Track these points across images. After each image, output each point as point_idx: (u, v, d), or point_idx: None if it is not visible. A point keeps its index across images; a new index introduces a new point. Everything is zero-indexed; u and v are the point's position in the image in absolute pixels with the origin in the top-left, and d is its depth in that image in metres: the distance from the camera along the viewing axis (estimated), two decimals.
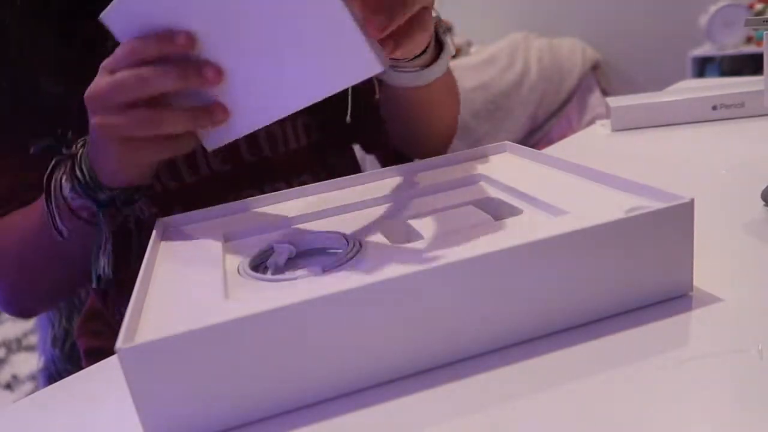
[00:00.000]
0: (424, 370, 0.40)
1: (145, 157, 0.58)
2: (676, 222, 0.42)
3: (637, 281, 0.42)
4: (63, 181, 0.61)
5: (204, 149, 0.61)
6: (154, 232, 0.55)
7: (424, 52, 0.67)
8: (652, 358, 0.38)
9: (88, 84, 0.56)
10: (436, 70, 0.71)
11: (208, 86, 0.53)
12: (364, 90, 0.90)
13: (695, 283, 0.44)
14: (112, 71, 0.54)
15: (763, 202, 0.58)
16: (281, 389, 0.38)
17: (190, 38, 0.51)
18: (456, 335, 0.40)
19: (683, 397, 0.34)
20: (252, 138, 0.78)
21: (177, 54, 0.52)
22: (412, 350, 0.40)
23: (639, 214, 0.41)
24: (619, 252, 0.41)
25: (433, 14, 0.61)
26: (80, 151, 0.61)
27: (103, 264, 0.63)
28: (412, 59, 0.66)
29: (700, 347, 0.39)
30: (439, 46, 0.71)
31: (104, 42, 0.60)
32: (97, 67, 0.56)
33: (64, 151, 0.61)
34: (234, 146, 0.76)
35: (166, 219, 0.60)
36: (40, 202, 0.65)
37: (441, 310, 0.39)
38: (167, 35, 0.51)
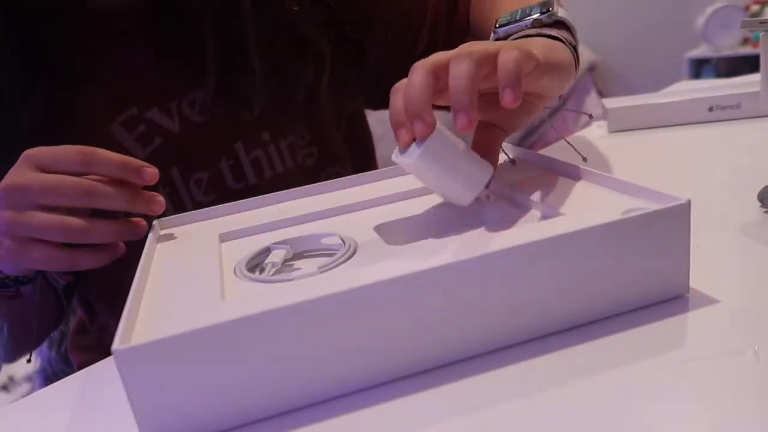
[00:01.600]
0: (420, 371, 0.40)
1: (53, 264, 0.57)
2: (672, 223, 0.42)
3: (634, 282, 0.42)
4: None
5: (185, 182, 0.62)
6: (150, 234, 0.55)
7: None
8: (649, 360, 0.38)
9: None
10: None
11: (152, 213, 0.57)
12: (356, 112, 0.89)
13: (692, 284, 0.44)
14: (42, 168, 0.54)
15: (759, 204, 0.58)
16: (277, 390, 0.38)
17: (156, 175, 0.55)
18: (451, 336, 0.40)
19: (680, 398, 0.34)
20: (236, 166, 0.76)
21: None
22: (409, 351, 0.40)
23: (635, 216, 0.41)
24: (616, 253, 0.41)
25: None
26: None
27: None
28: None
29: (696, 348, 0.39)
30: None
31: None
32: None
33: None
34: (218, 176, 0.75)
35: (163, 219, 0.60)
36: None
37: (437, 312, 0.39)
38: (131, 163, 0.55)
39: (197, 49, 0.72)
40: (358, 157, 0.90)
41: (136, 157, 0.60)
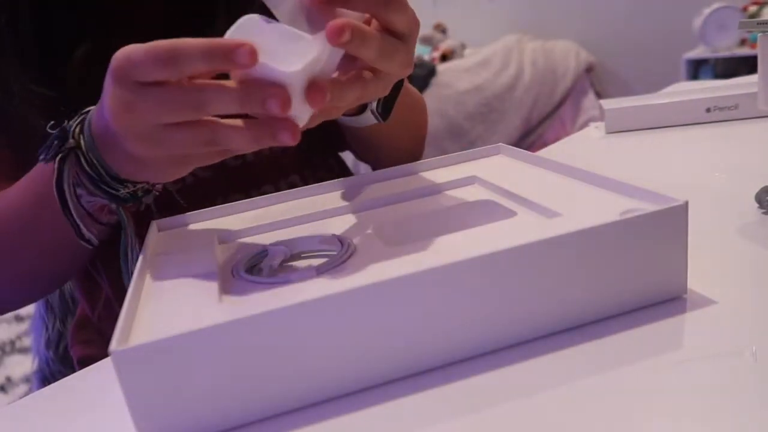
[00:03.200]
0: (418, 372, 0.40)
1: (189, 169, 0.53)
2: (669, 224, 0.42)
3: (631, 283, 0.42)
4: (77, 188, 0.55)
5: None
6: (148, 234, 0.55)
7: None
8: (646, 361, 0.38)
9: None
10: (366, 118, 0.68)
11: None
12: None
13: (689, 285, 0.44)
14: (143, 83, 0.45)
15: (756, 205, 0.58)
16: (275, 391, 0.38)
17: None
18: (449, 337, 0.40)
19: (677, 399, 0.34)
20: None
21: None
22: (407, 352, 0.40)
23: (633, 217, 0.41)
24: (613, 254, 0.41)
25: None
26: (81, 142, 0.53)
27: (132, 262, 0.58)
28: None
29: (694, 349, 0.39)
30: None
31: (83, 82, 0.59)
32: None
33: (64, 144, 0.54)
34: None
35: (161, 221, 0.60)
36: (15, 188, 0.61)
37: (434, 313, 0.39)
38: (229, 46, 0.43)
39: (204, 28, 0.73)
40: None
41: None
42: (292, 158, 0.81)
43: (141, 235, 0.57)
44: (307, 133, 0.82)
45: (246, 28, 0.45)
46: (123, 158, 0.52)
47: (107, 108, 0.48)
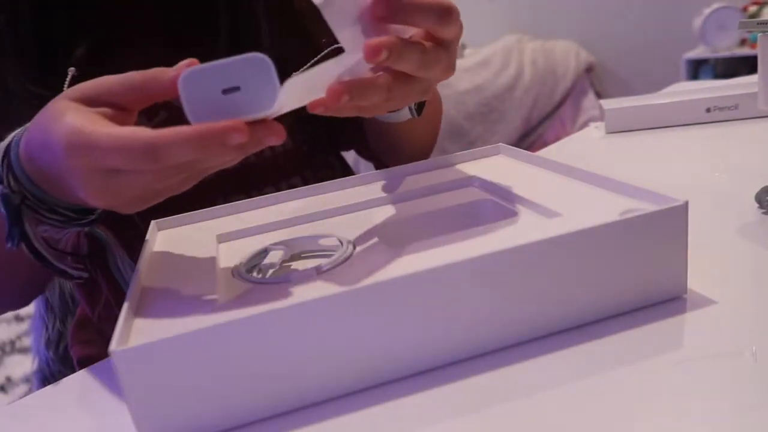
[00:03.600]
0: (418, 372, 0.40)
1: (160, 199, 0.49)
2: (669, 224, 0.42)
3: (631, 284, 0.42)
4: (40, 226, 0.51)
5: None
6: (148, 235, 0.55)
7: None
8: (647, 361, 0.38)
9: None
10: (403, 114, 0.69)
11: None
12: None
13: (689, 285, 0.44)
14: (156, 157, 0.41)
15: (756, 205, 0.58)
16: (274, 391, 0.38)
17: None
18: (449, 337, 0.40)
19: (678, 399, 0.34)
20: None
21: None
22: (406, 352, 0.40)
23: (633, 217, 0.41)
24: (613, 254, 0.41)
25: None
26: (23, 191, 0.49)
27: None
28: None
29: (693, 349, 0.39)
30: None
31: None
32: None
33: None
34: None
35: (160, 221, 0.60)
36: None
37: (434, 313, 0.39)
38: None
39: (204, 29, 0.74)
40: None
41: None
42: (294, 159, 0.81)
43: (126, 238, 0.56)
44: (310, 133, 0.82)
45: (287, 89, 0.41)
46: (76, 196, 0.47)
47: (78, 185, 0.45)
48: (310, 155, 0.83)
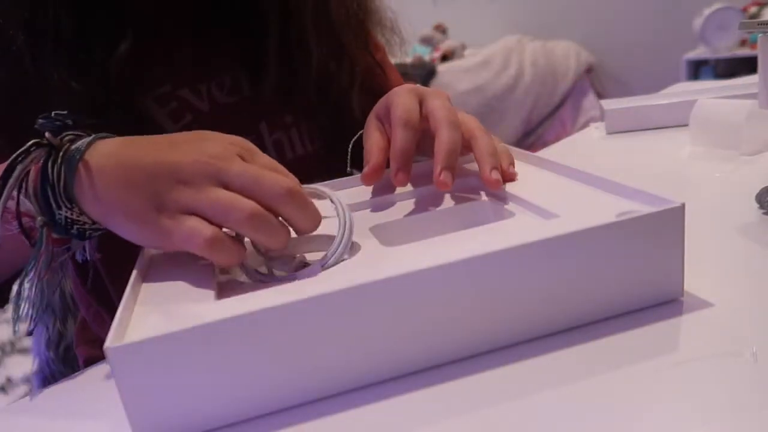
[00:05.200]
0: (416, 371, 0.40)
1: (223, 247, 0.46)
2: (666, 226, 0.42)
3: (628, 285, 0.43)
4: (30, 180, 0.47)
5: None
6: None
7: None
8: (644, 362, 0.38)
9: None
10: None
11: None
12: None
13: (687, 287, 0.44)
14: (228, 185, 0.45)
15: (756, 205, 0.58)
16: (270, 389, 0.38)
17: None
18: (447, 337, 0.40)
19: (675, 400, 0.35)
20: (260, 147, 0.75)
21: None
22: (405, 351, 0.40)
23: (629, 218, 0.41)
24: (610, 256, 0.41)
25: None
26: (68, 152, 0.47)
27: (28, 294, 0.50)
28: None
29: (690, 351, 0.39)
30: None
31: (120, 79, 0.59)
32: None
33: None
34: None
35: None
36: None
37: (433, 312, 0.39)
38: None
39: (235, 36, 0.75)
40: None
41: (167, 131, 0.58)
42: (314, 163, 0.81)
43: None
44: (325, 139, 0.82)
45: None
46: (102, 207, 0.47)
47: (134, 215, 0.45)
48: (328, 159, 0.82)
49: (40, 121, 0.47)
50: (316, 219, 0.47)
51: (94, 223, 0.48)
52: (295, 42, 0.76)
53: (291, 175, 0.48)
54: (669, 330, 0.41)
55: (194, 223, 0.44)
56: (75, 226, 0.48)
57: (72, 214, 0.47)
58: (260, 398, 0.38)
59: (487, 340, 0.41)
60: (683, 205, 0.42)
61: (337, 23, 0.80)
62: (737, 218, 0.57)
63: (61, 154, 0.47)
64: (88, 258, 0.52)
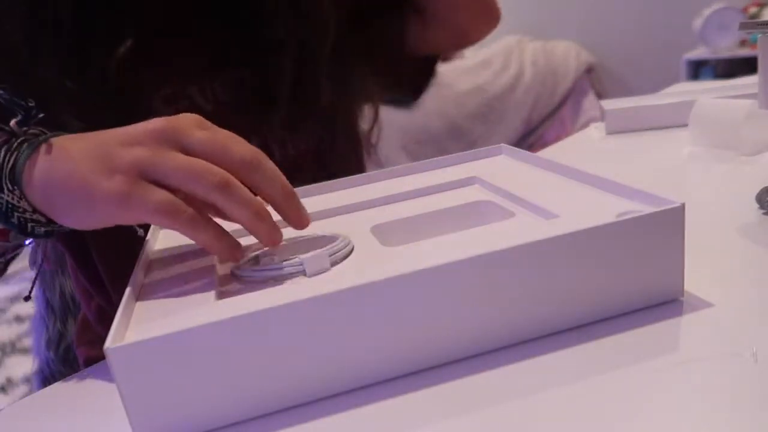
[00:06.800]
0: (417, 371, 0.40)
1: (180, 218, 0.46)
2: (666, 226, 0.42)
3: (628, 285, 0.43)
4: None
5: None
6: (149, 234, 0.55)
7: None
8: (643, 362, 0.38)
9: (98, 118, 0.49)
10: None
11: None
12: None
13: (687, 287, 0.44)
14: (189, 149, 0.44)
15: (757, 205, 0.58)
16: (270, 389, 0.38)
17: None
18: (446, 337, 0.40)
19: (675, 400, 0.35)
20: (264, 145, 0.73)
21: None
22: (405, 351, 0.40)
23: (629, 218, 0.41)
24: (610, 256, 0.41)
25: None
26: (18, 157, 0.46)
27: None
28: None
29: (690, 351, 0.39)
30: None
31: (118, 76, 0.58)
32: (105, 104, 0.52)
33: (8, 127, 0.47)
34: None
35: None
36: None
37: (432, 312, 0.39)
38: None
39: (241, 39, 0.74)
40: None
41: None
42: (309, 161, 0.81)
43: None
44: (326, 134, 0.82)
45: None
46: (51, 199, 0.46)
47: (101, 192, 0.43)
48: (324, 156, 0.83)
49: (6, 97, 0.47)
50: (287, 189, 0.46)
51: (35, 212, 0.46)
52: (308, 81, 0.74)
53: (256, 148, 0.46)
54: (669, 330, 0.41)
55: (151, 187, 0.43)
56: (15, 214, 0.46)
57: (12, 199, 0.46)
58: (260, 398, 0.38)
59: (488, 340, 0.41)
60: (683, 205, 0.42)
61: (347, 51, 0.79)
62: (737, 218, 0.57)
63: (18, 141, 0.46)
64: (41, 263, 0.51)
